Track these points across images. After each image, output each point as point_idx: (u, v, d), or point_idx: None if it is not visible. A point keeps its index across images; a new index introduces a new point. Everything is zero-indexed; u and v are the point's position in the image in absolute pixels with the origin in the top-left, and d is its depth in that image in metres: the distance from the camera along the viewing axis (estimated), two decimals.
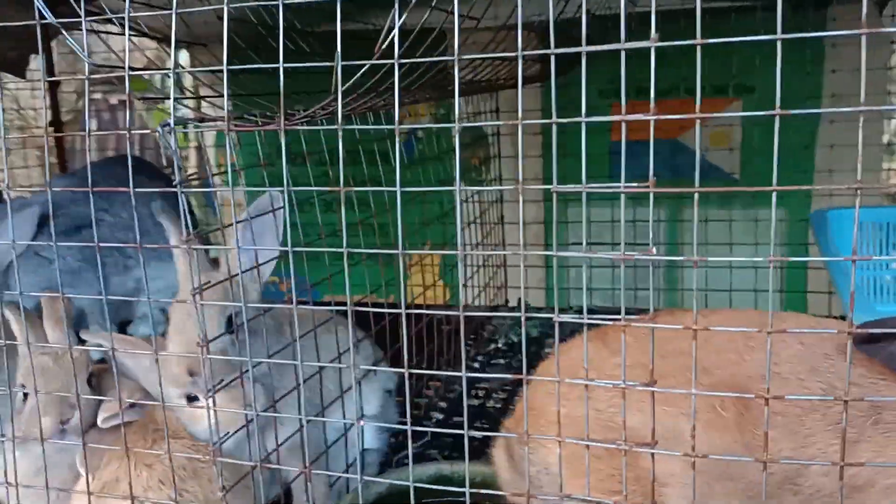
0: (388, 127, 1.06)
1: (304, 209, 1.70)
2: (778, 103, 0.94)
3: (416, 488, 1.16)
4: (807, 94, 3.29)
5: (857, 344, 1.17)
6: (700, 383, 1.21)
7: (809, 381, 1.21)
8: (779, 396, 0.92)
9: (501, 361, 2.83)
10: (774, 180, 0.97)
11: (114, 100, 6.19)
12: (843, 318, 2.55)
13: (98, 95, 5.94)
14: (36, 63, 3.60)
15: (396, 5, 1.01)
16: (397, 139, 1.07)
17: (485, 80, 2.86)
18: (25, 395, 1.55)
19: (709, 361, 1.24)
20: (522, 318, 1.10)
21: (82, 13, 1.09)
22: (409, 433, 1.14)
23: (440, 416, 2.38)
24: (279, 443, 1.38)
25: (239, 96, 1.50)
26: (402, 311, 1.11)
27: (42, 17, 1.12)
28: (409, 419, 1.15)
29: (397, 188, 1.07)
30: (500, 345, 3.00)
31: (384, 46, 1.06)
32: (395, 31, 1.01)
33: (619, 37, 1.11)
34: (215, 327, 1.54)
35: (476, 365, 2.82)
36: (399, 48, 1.07)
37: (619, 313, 1.09)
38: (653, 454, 1.03)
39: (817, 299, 3.21)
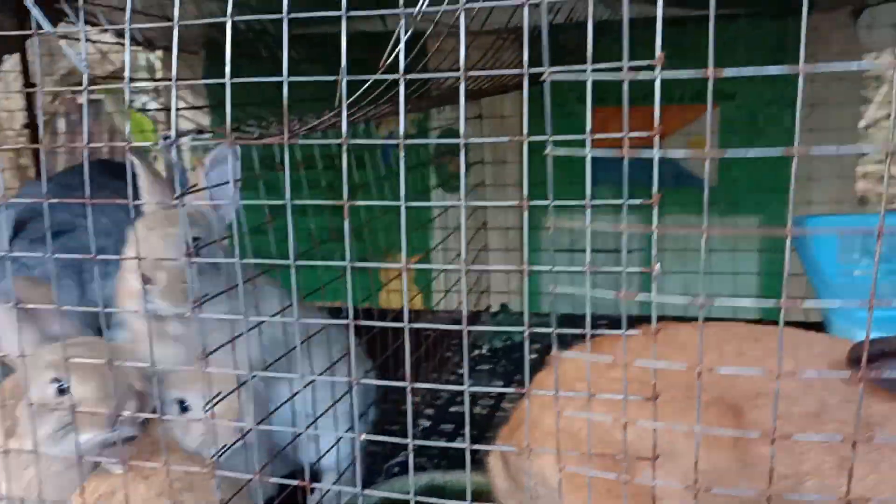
0: (394, 142, 1.06)
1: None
2: (797, 141, 0.94)
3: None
4: (786, 101, 3.33)
5: (852, 363, 1.18)
6: (706, 406, 1.22)
7: (803, 399, 1.22)
8: (785, 436, 0.93)
9: (486, 367, 2.82)
10: (788, 222, 0.97)
11: (81, 100, 6.12)
12: (816, 325, 2.58)
13: (68, 95, 5.88)
14: (9, 64, 3.55)
15: (402, 21, 1.00)
16: (402, 154, 1.07)
17: (468, 89, 2.87)
18: (60, 390, 1.47)
19: (704, 379, 1.25)
20: (525, 334, 1.10)
21: (81, 23, 1.07)
22: (410, 446, 1.14)
23: (427, 424, 2.38)
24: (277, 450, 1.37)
25: (235, 106, 1.50)
26: (406, 325, 1.11)
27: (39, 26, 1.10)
28: (409, 436, 1.14)
29: (402, 203, 1.07)
30: (483, 350, 3.00)
31: (388, 61, 1.06)
32: (401, 47, 1.00)
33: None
34: (172, 248, 1.65)
35: (461, 371, 2.80)
36: (387, 57, 1.07)
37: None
38: (653, 470, 1.03)
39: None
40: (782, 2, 3.16)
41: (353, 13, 0.99)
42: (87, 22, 1.12)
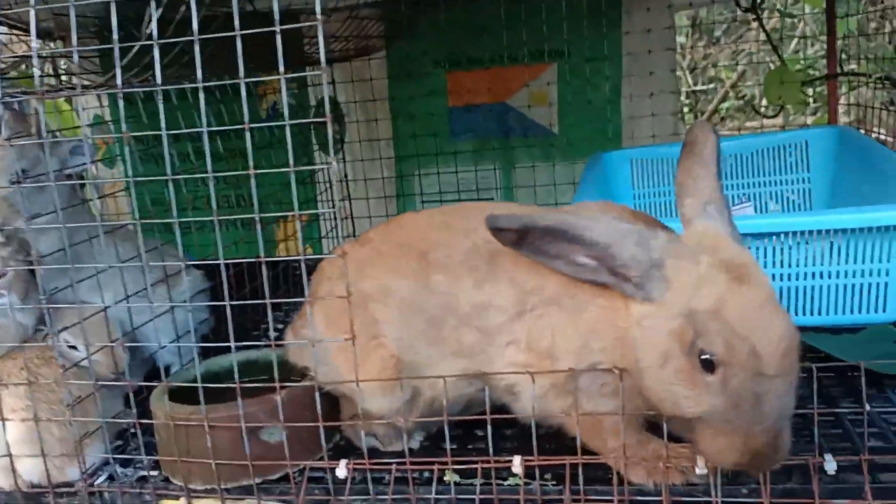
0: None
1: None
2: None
3: (225, 373, 1.72)
4: (610, 53, 3.56)
5: (493, 230, 1.48)
6: (409, 255, 1.66)
7: (463, 240, 1.63)
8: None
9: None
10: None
11: None
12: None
13: None
14: None
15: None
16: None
17: (337, 52, 3.05)
18: None
19: (414, 238, 1.69)
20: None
21: None
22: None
23: (277, 334, 2.59)
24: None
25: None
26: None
27: None
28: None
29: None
30: None
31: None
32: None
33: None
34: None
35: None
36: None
37: None
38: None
39: None
40: None
41: None
42: None
